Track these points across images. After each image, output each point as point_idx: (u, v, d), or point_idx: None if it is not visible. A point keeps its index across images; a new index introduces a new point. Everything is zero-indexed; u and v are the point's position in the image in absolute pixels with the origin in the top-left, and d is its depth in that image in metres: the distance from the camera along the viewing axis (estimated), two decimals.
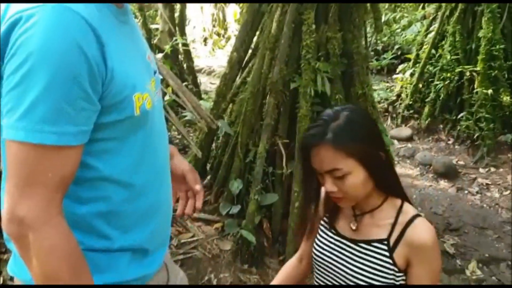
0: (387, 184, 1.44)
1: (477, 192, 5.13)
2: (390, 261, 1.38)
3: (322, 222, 1.58)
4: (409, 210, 1.42)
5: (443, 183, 5.36)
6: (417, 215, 1.40)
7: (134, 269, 1.22)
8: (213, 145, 4.20)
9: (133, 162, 1.16)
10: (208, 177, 4.06)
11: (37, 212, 0.96)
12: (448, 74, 6.34)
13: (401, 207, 1.43)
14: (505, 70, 5.91)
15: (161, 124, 1.31)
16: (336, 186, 1.36)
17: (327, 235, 1.54)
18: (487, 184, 5.29)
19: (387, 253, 1.39)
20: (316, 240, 1.57)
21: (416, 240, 1.36)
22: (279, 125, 3.55)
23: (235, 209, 3.53)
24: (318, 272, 1.56)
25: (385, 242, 1.40)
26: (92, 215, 1.12)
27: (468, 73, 6.09)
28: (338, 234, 1.51)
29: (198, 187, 1.47)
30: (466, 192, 5.15)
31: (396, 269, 1.38)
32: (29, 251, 0.97)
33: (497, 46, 5.81)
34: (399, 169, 5.50)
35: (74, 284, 1.00)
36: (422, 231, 1.36)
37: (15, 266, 1.20)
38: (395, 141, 6.37)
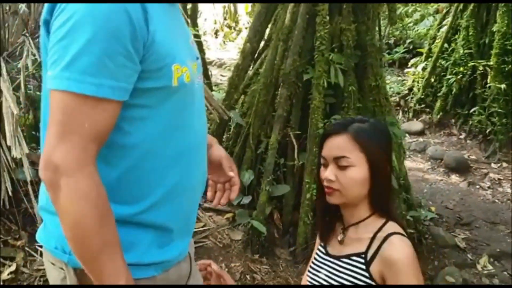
0: (379, 198, 1.43)
1: (488, 187, 5.10)
2: (367, 274, 1.38)
3: (319, 246, 1.59)
4: (389, 228, 1.41)
5: (454, 178, 5.34)
6: (396, 233, 1.39)
7: (155, 251, 1.20)
8: (225, 136, 4.20)
9: (166, 132, 1.16)
10: None
11: (71, 159, 0.99)
12: (461, 69, 6.29)
13: (384, 224, 1.43)
14: None
15: (200, 104, 1.32)
16: (336, 176, 1.39)
17: (320, 256, 1.55)
18: (499, 179, 5.26)
19: (363, 266, 1.39)
20: (312, 259, 1.59)
21: (389, 257, 1.34)
22: (291, 117, 3.55)
23: (246, 200, 3.54)
24: None
25: (363, 256, 1.40)
26: (119, 181, 1.13)
27: (481, 68, 6.04)
28: (327, 253, 1.52)
29: (232, 174, 1.46)
30: (477, 187, 5.13)
31: (373, 283, 1.37)
32: (60, 197, 1.00)
33: (511, 41, 5.75)
34: (410, 163, 5.48)
35: (99, 235, 1.02)
36: (397, 248, 1.35)
37: (44, 234, 1.22)
38: (407, 135, 6.34)
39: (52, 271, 1.22)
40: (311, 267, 1.57)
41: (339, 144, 1.40)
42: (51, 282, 1.26)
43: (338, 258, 1.47)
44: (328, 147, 1.43)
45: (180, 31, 1.22)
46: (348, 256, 1.44)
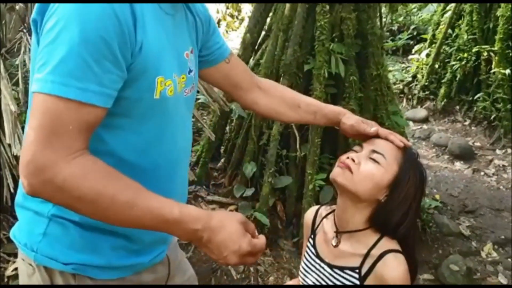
0: (385, 220, 1.37)
1: (493, 174, 5.07)
2: None
3: (308, 244, 1.57)
4: (384, 245, 1.37)
5: (459, 165, 5.31)
6: (391, 250, 1.35)
7: (124, 256, 1.22)
8: (227, 128, 4.19)
9: (143, 144, 1.15)
10: (222, 160, 4.07)
11: (58, 158, 0.96)
12: (465, 54, 6.23)
13: (378, 240, 1.38)
14: None
15: (186, 118, 1.30)
16: (360, 162, 1.35)
17: (310, 257, 1.53)
18: (503, 165, 5.23)
19: (357, 282, 1.37)
20: (303, 258, 1.57)
21: (384, 275, 1.33)
22: None
23: (249, 192, 3.53)
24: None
25: (357, 271, 1.38)
26: None
27: (485, 53, 5.98)
28: (318, 256, 1.50)
29: (374, 129, 1.43)
30: (482, 173, 5.10)
31: None
32: (64, 194, 0.97)
33: None
34: None
35: (120, 201, 1.00)
36: (392, 267, 1.33)
37: (16, 231, 1.24)
38: (411, 123, 6.30)
39: (22, 266, 1.25)
40: (302, 267, 1.55)
41: (386, 145, 1.38)
42: (20, 276, 1.28)
43: (330, 266, 1.45)
44: (374, 141, 1.41)
45: (174, 41, 1.19)
46: (341, 268, 1.42)
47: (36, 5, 1.04)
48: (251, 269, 3.08)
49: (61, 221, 1.15)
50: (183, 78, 1.21)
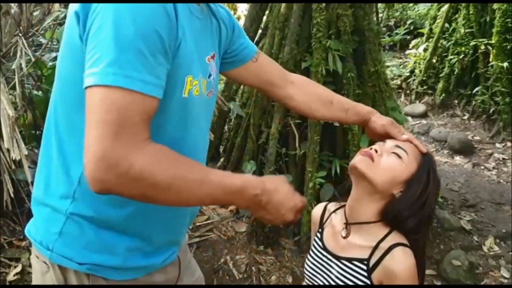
0: (396, 212, 1.39)
1: (493, 168, 5.07)
2: (368, 282, 1.38)
3: (315, 238, 1.58)
4: (393, 239, 1.39)
5: (458, 159, 5.31)
6: (399, 244, 1.37)
7: (137, 258, 1.23)
8: (226, 127, 4.19)
9: (167, 143, 1.12)
10: (222, 160, 4.06)
11: (130, 149, 0.95)
12: (462, 48, 6.22)
13: (388, 233, 1.40)
14: None
15: (205, 121, 1.31)
16: (382, 154, 1.39)
17: (317, 249, 1.54)
18: (503, 159, 5.23)
19: (365, 273, 1.38)
20: (309, 252, 1.57)
21: (391, 268, 1.34)
22: None
23: None
24: (307, 282, 1.58)
25: (365, 263, 1.39)
26: None
27: (482, 47, 5.97)
28: (325, 249, 1.51)
29: (405, 137, 1.47)
30: (482, 167, 5.10)
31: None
32: (140, 181, 0.96)
33: None
34: None
35: (193, 181, 1.02)
36: (399, 260, 1.34)
37: (32, 228, 1.24)
38: (410, 118, 6.29)
39: (36, 263, 1.25)
40: (309, 260, 1.56)
41: (408, 145, 1.43)
42: (34, 274, 1.29)
43: (338, 258, 1.45)
44: (397, 140, 1.46)
45: (199, 45, 1.21)
46: (349, 260, 1.42)
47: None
48: (253, 268, 3.08)
49: (78, 220, 1.15)
50: (204, 81, 1.23)
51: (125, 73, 0.95)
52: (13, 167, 2.70)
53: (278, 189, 1.13)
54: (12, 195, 2.69)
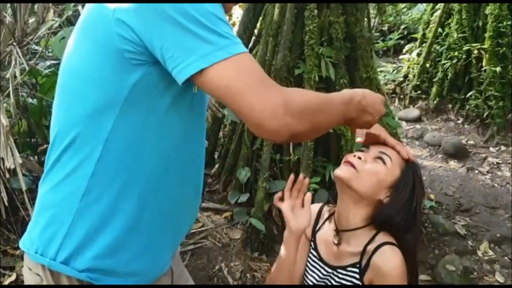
0: (385, 217, 1.42)
1: (487, 172, 5.09)
2: (360, 283, 1.41)
3: (310, 248, 1.60)
4: (381, 238, 1.42)
5: (453, 164, 5.33)
6: (387, 243, 1.40)
7: (138, 262, 1.23)
8: (220, 133, 4.19)
9: (180, 137, 1.20)
10: (216, 166, 4.07)
11: (282, 92, 1.05)
12: (456, 53, 6.26)
13: (375, 234, 1.43)
14: None
15: (205, 120, 1.34)
16: (366, 161, 1.41)
17: (314, 261, 1.56)
18: (497, 163, 5.25)
19: (358, 276, 1.41)
20: (307, 263, 1.59)
21: (379, 266, 1.37)
22: None
23: (244, 198, 3.53)
24: None
25: (357, 265, 1.42)
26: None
27: (475, 51, 6.01)
28: (321, 259, 1.53)
29: (390, 142, 1.52)
30: (476, 172, 5.12)
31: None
32: (305, 111, 1.07)
33: (505, 23, 5.72)
34: None
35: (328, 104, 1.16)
36: (387, 258, 1.37)
37: (27, 240, 1.24)
38: (403, 123, 6.32)
39: (29, 276, 1.25)
40: (307, 272, 1.57)
41: (392, 151, 1.46)
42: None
43: (334, 268, 1.48)
44: (381, 146, 1.48)
45: None
46: (344, 268, 1.46)
47: (118, 9, 1.05)
48: (248, 275, 3.08)
49: (82, 225, 1.16)
50: None
51: (237, 41, 1.04)
52: (8, 176, 2.70)
53: (365, 93, 1.27)
54: (6, 203, 2.69)
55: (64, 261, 1.16)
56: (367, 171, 1.39)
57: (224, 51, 1.00)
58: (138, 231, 1.19)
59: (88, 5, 1.20)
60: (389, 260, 1.36)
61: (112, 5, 1.05)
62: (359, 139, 1.46)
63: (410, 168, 1.45)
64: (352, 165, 1.40)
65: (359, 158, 1.41)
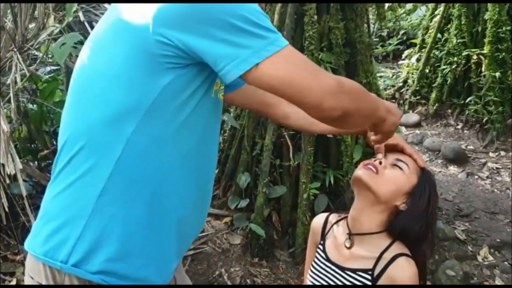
0: (403, 224, 1.42)
1: (487, 177, 5.09)
2: None
3: (317, 249, 1.60)
4: (396, 249, 1.42)
5: (452, 169, 5.33)
6: (402, 254, 1.41)
7: (149, 267, 1.23)
8: (220, 138, 4.20)
9: (195, 142, 1.23)
10: (216, 171, 4.07)
11: (333, 75, 1.17)
12: (455, 58, 6.26)
13: (391, 244, 1.44)
14: None
15: (219, 126, 1.37)
16: (385, 166, 1.44)
17: (320, 261, 1.56)
18: (497, 168, 5.25)
19: (369, 283, 1.41)
20: (312, 263, 1.59)
21: (395, 277, 1.38)
22: None
23: (244, 203, 3.53)
24: None
25: (370, 273, 1.42)
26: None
27: (475, 56, 6.01)
28: (328, 260, 1.53)
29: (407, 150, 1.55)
30: (476, 177, 5.11)
31: None
32: (352, 92, 1.17)
33: (504, 28, 5.72)
34: None
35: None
36: (403, 269, 1.38)
37: (41, 241, 1.22)
38: (403, 128, 6.32)
39: (30, 283, 1.24)
40: (312, 271, 1.57)
41: (408, 158, 1.48)
42: None
43: (342, 268, 1.48)
44: (398, 154, 1.50)
45: None
46: (354, 270, 1.45)
47: (152, 22, 1.07)
48: (248, 281, 3.08)
49: (96, 228, 1.16)
50: (222, 87, 1.29)
51: (280, 34, 1.10)
52: (8, 181, 2.70)
53: (384, 101, 1.35)
54: (6, 209, 2.69)
55: (76, 264, 1.16)
56: (387, 175, 1.41)
57: (275, 44, 1.07)
58: (149, 235, 1.20)
59: (117, 7, 1.20)
60: (405, 272, 1.37)
61: (150, 10, 1.07)
62: (380, 155, 1.47)
63: (426, 176, 1.47)
64: (373, 168, 1.41)
65: (380, 163, 1.43)
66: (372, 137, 1.45)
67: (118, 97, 1.12)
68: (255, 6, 1.09)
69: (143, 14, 1.07)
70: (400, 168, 1.43)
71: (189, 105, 1.15)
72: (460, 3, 6.19)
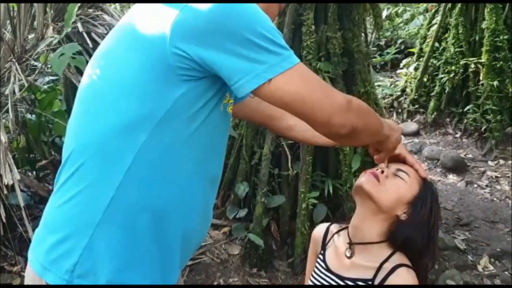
0: (405, 235, 1.42)
1: (486, 186, 5.08)
2: None
3: (318, 259, 1.60)
4: (397, 259, 1.42)
5: (451, 178, 5.32)
6: (403, 265, 1.40)
7: (157, 273, 1.22)
8: None
9: (201, 155, 1.23)
10: None
11: (342, 93, 1.20)
12: (453, 67, 6.28)
13: (391, 254, 1.43)
14: (510, 60, 5.83)
15: (226, 140, 1.37)
16: (387, 175, 1.45)
17: (320, 270, 1.56)
18: (496, 177, 5.24)
19: None
20: (312, 273, 1.59)
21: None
22: None
23: (242, 213, 3.52)
24: None
25: (370, 283, 1.41)
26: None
27: (472, 65, 6.03)
28: (328, 269, 1.53)
29: (409, 160, 1.56)
30: (475, 186, 5.11)
31: None
32: (359, 111, 1.20)
33: (501, 37, 5.75)
34: None
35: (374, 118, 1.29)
36: (403, 279, 1.37)
37: (37, 249, 1.23)
38: (402, 137, 6.31)
39: None
40: (311, 281, 1.57)
41: (409, 168, 1.48)
42: None
43: (342, 278, 1.47)
44: (399, 164, 1.50)
45: None
46: (353, 280, 1.44)
47: (170, 37, 1.08)
48: None
49: (103, 237, 1.15)
50: (232, 100, 1.30)
51: (292, 51, 1.12)
52: (6, 191, 2.70)
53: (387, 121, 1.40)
54: (4, 220, 2.68)
55: (83, 274, 1.15)
56: (388, 185, 1.42)
57: (288, 61, 1.09)
58: (156, 244, 1.19)
59: (127, 21, 1.22)
60: (406, 283, 1.36)
61: (167, 22, 1.08)
62: (382, 165, 1.48)
63: (428, 187, 1.47)
64: (376, 177, 1.42)
65: (382, 172, 1.44)
66: (376, 156, 1.47)
67: (132, 107, 1.13)
68: (270, 22, 1.11)
69: (160, 26, 1.09)
70: (402, 178, 1.44)
71: (200, 117, 1.16)
72: (457, 13, 6.22)
